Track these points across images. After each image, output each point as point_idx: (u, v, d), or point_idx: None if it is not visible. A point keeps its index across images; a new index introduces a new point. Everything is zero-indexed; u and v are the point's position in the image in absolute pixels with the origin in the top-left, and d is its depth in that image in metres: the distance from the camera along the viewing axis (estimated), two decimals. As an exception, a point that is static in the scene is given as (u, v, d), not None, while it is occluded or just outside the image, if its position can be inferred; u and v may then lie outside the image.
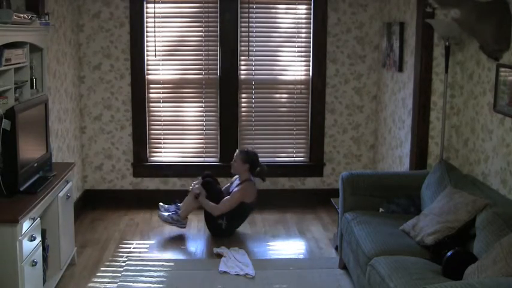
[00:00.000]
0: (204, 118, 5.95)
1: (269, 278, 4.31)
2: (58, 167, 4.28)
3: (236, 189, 5.15)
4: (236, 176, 5.31)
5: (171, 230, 5.25)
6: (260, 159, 5.97)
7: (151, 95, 5.90)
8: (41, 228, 3.72)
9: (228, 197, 5.11)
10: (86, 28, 5.70)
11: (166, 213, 5.21)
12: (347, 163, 6.08)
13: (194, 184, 5.23)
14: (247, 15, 5.79)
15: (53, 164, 4.28)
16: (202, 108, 5.94)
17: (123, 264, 4.53)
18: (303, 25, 5.88)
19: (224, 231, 5.10)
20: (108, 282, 4.23)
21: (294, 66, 5.94)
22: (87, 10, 5.67)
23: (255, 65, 5.91)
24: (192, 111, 5.96)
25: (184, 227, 5.22)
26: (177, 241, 5.06)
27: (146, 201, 5.84)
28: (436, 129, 4.68)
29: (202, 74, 5.88)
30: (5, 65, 3.49)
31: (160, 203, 5.34)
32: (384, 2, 5.71)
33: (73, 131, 5.54)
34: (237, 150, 5.30)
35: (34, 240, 3.47)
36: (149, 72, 5.86)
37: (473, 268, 3.03)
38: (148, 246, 4.93)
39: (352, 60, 5.92)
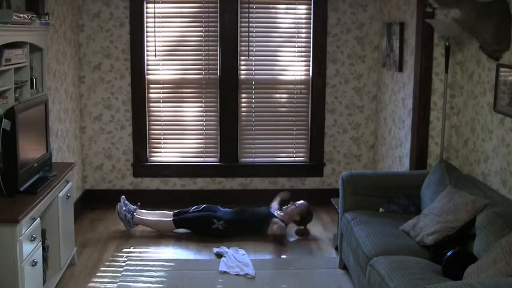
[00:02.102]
0: (204, 118, 5.95)
1: (269, 278, 4.31)
2: (58, 167, 4.28)
3: (276, 225, 5.06)
4: (277, 204, 5.36)
5: (172, 230, 5.25)
6: (260, 159, 6.01)
7: (151, 95, 5.90)
8: (41, 228, 3.72)
9: (277, 225, 5.07)
10: (86, 28, 5.70)
11: (124, 208, 5.18)
12: (347, 163, 6.08)
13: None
14: (247, 15, 5.79)
15: (53, 164, 4.29)
16: (202, 108, 5.94)
17: (123, 264, 4.53)
18: (303, 25, 5.88)
19: (223, 232, 5.08)
20: (108, 282, 4.23)
21: (294, 66, 5.94)
22: (87, 10, 5.67)
23: (255, 65, 5.91)
24: (192, 111, 5.96)
25: (130, 229, 5.19)
26: (178, 241, 5.06)
27: (146, 201, 5.84)
28: (436, 129, 4.68)
29: (202, 74, 5.88)
30: (5, 65, 3.49)
31: (123, 196, 5.29)
32: (383, 2, 5.71)
33: (73, 131, 5.54)
34: (305, 202, 5.25)
35: (34, 240, 3.47)
36: (149, 72, 5.86)
37: (473, 268, 3.03)
38: (148, 246, 4.93)
39: (352, 60, 5.92)
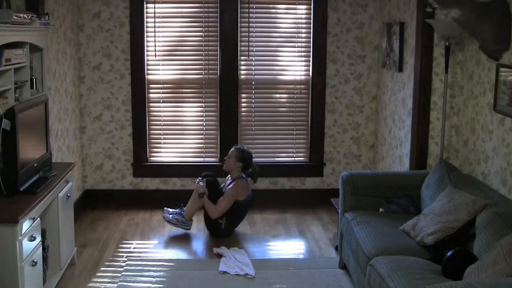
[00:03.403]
0: (204, 118, 5.95)
1: (269, 278, 4.31)
2: (58, 167, 4.28)
3: (228, 188, 5.16)
4: (228, 176, 5.31)
5: (171, 230, 5.26)
6: (260, 159, 6.00)
7: (151, 95, 5.90)
8: (41, 228, 3.72)
9: (222, 198, 5.10)
10: (86, 28, 5.70)
11: (170, 214, 5.22)
12: (347, 163, 6.08)
13: (198, 182, 5.21)
14: (247, 15, 5.79)
15: (53, 164, 4.29)
16: (202, 108, 5.94)
17: (123, 264, 4.53)
18: (303, 25, 5.88)
19: (224, 231, 5.10)
20: (108, 282, 4.23)
21: (294, 66, 5.94)
22: (87, 10, 5.67)
23: (255, 65, 5.91)
24: (192, 111, 5.96)
25: (189, 228, 5.22)
26: (178, 241, 5.06)
27: (146, 201, 5.85)
28: (436, 129, 4.68)
29: (202, 74, 5.88)
30: (5, 65, 3.49)
31: (166, 208, 5.33)
32: (383, 2, 5.71)
33: (73, 131, 5.54)
34: (233, 147, 5.30)
35: (34, 240, 3.47)
36: (149, 72, 5.86)
37: (473, 268, 3.03)
38: (148, 246, 4.93)
39: (352, 60, 5.92)
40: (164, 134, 5.98)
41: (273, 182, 6.01)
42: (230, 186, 5.16)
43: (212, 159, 6.02)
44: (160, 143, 5.99)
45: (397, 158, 5.25)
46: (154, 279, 4.27)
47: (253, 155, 5.97)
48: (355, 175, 4.43)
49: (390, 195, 4.33)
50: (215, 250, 4.77)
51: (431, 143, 4.72)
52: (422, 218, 3.81)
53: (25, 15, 3.73)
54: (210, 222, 5.14)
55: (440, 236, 3.55)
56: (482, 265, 2.97)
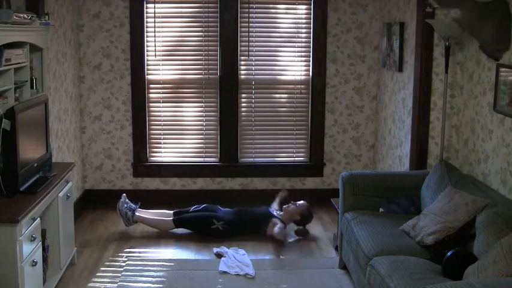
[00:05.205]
0: (204, 118, 5.95)
1: (269, 278, 4.31)
2: (58, 167, 4.28)
3: (278, 227, 5.03)
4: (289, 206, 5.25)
5: (171, 230, 5.25)
6: (260, 159, 6.01)
7: (151, 95, 5.90)
8: (41, 228, 3.72)
9: (277, 226, 5.04)
10: (86, 28, 5.70)
11: (125, 205, 5.18)
12: (347, 163, 6.08)
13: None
14: (247, 15, 5.79)
15: (53, 164, 4.29)
16: (202, 108, 5.94)
17: (123, 264, 4.53)
18: (303, 25, 5.88)
19: (223, 232, 5.07)
20: (108, 282, 4.23)
21: (294, 66, 5.94)
22: (87, 10, 5.67)
23: (255, 65, 5.91)
24: (192, 111, 5.96)
25: (129, 226, 5.19)
26: (178, 241, 5.06)
27: (146, 201, 5.83)
28: (436, 129, 4.68)
29: (202, 74, 5.88)
30: (5, 65, 3.49)
31: (124, 194, 5.30)
32: (383, 2, 5.71)
33: (73, 131, 5.54)
34: (305, 202, 5.23)
35: (34, 240, 3.47)
36: (149, 72, 5.86)
37: (473, 268, 3.03)
38: (148, 246, 4.93)
39: (352, 60, 5.92)
40: (164, 134, 5.98)
41: (273, 182, 6.01)
42: (277, 227, 5.02)
43: (212, 159, 6.01)
44: (160, 143, 5.99)
45: (397, 158, 5.25)
46: (154, 279, 4.27)
47: (254, 155, 6.01)
48: (355, 175, 4.43)
49: (390, 195, 4.33)
50: (215, 250, 4.77)
51: (431, 143, 4.72)
52: (422, 218, 3.81)
53: (25, 15, 3.73)
54: (204, 232, 5.08)
55: (440, 236, 3.55)
56: (482, 265, 2.97)
